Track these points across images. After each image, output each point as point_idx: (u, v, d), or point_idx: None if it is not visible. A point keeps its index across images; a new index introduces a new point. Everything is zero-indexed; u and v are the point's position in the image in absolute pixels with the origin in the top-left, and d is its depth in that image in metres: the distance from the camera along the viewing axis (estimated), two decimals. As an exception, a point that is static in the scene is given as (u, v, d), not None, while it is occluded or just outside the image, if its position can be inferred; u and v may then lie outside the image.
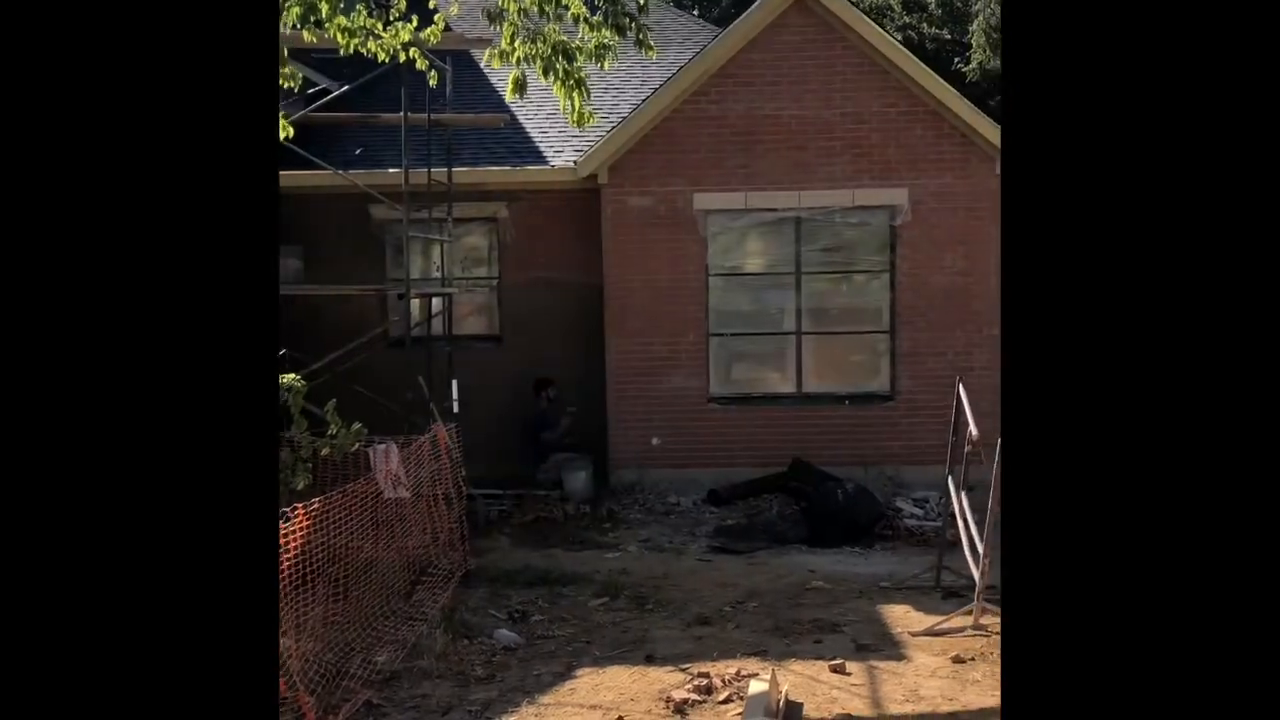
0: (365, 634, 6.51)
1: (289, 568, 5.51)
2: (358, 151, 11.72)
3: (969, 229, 11.18)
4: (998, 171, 11.20)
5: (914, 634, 6.71)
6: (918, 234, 11.19)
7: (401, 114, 9.58)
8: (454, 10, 7.06)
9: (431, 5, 6.61)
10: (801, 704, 5.51)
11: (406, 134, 9.70)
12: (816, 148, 11.16)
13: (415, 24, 6.57)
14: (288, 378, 6.47)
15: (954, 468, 7.68)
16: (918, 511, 10.29)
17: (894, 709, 5.44)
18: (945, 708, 5.42)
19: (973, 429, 7.10)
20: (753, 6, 11.17)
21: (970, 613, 6.81)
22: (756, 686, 5.49)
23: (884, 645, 6.51)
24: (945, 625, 6.79)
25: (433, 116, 10.14)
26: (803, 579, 8.26)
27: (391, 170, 10.81)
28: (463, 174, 11.21)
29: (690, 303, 11.24)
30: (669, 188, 11.15)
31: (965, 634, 6.64)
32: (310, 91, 11.51)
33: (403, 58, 6.72)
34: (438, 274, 11.52)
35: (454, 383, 9.40)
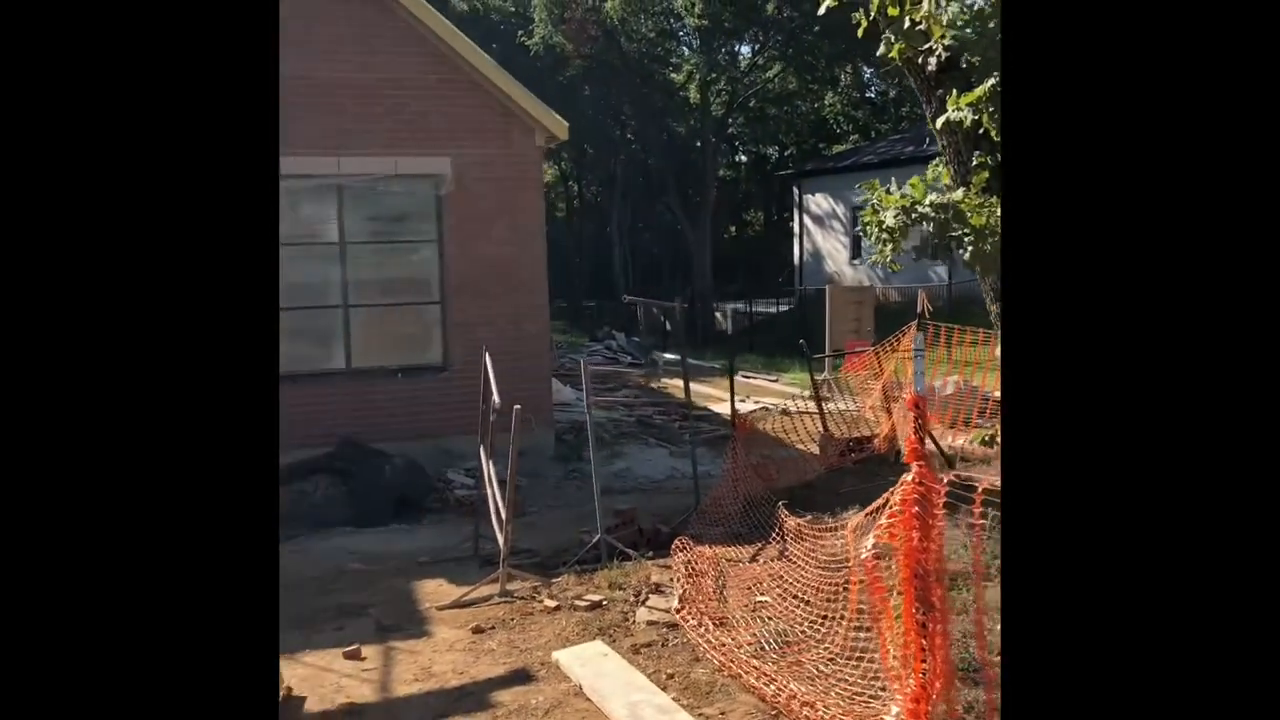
0: None
1: None
2: None
3: (514, 200, 11.27)
4: (539, 143, 11.39)
5: (440, 608, 6.61)
6: (464, 204, 11.11)
7: None
8: None
9: None
10: (304, 698, 5.20)
11: None
12: (355, 113, 10.72)
13: None
14: None
15: (483, 436, 7.67)
16: (469, 481, 10.27)
17: (401, 690, 5.28)
18: (454, 681, 5.33)
19: (495, 396, 7.10)
20: (279, -41, 10.47)
21: (496, 580, 6.82)
22: (253, 687, 5.09)
23: (408, 623, 6.35)
24: (472, 595, 6.75)
25: None
26: (341, 562, 7.93)
27: None
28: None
29: (223, 276, 10.42)
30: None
31: (492, 602, 6.63)
32: None
33: None
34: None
35: None
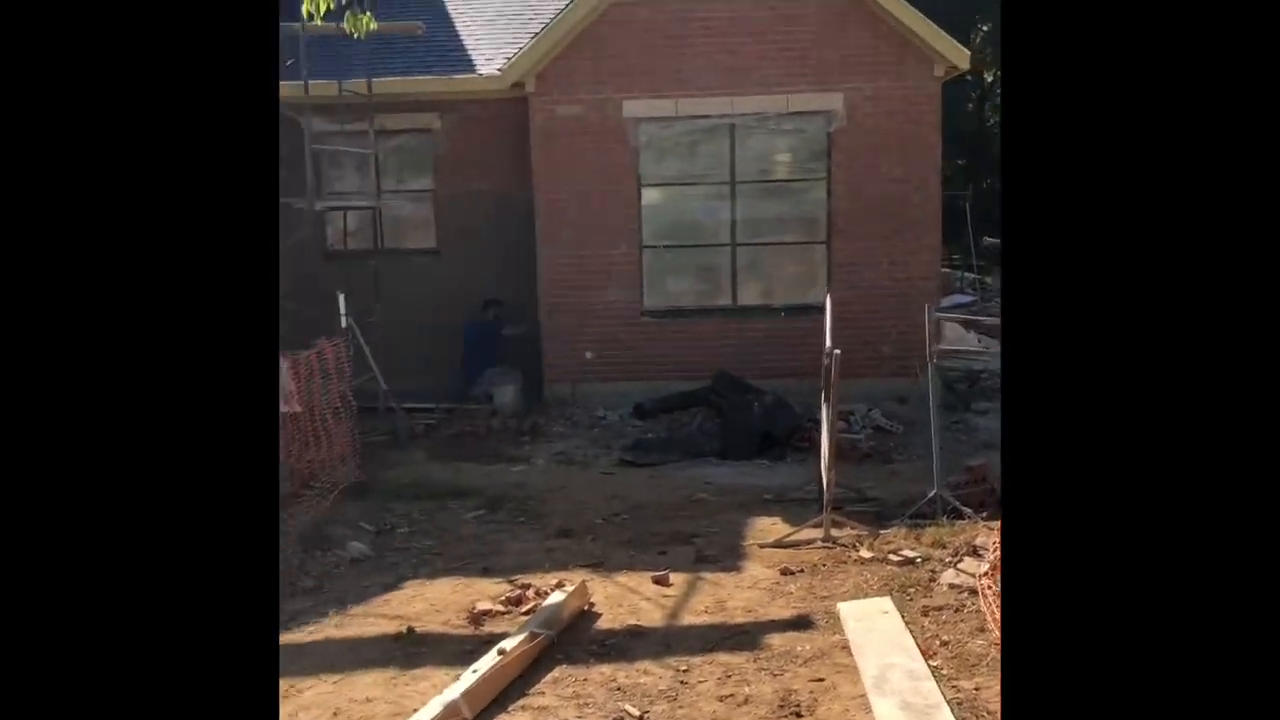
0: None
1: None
2: (289, 62, 11.59)
3: (906, 135, 10.82)
4: (936, 74, 10.80)
5: (762, 546, 6.66)
6: (854, 140, 10.86)
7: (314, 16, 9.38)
8: None
9: None
10: (599, 614, 5.51)
11: (306, 45, 9.54)
12: (750, 51, 10.81)
13: None
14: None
15: (825, 381, 7.54)
16: (840, 424, 10.15)
17: (687, 619, 5.42)
18: (739, 618, 5.38)
19: (828, 342, 6.95)
20: (680, -97, 10.75)
21: (820, 525, 6.74)
22: (555, 597, 5.49)
23: (725, 557, 6.48)
24: (794, 537, 6.73)
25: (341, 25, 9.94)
26: (692, 492, 8.22)
27: (321, 81, 10.67)
28: (390, 84, 11.06)
29: (622, 214, 11.07)
30: (597, 95, 10.91)
31: (812, 546, 6.57)
32: None
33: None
34: (368, 188, 11.44)
35: (340, 296, 9.36)
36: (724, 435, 9.78)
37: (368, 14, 6.01)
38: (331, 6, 5.25)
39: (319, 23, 5.60)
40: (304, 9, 5.33)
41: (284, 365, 8.03)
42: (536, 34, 11.07)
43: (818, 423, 10.24)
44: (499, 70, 11.12)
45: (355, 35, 6.00)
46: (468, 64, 11.58)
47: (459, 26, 12.29)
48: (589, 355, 11.25)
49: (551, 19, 11.12)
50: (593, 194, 11.03)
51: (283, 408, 8.10)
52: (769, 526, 7.14)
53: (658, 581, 6.01)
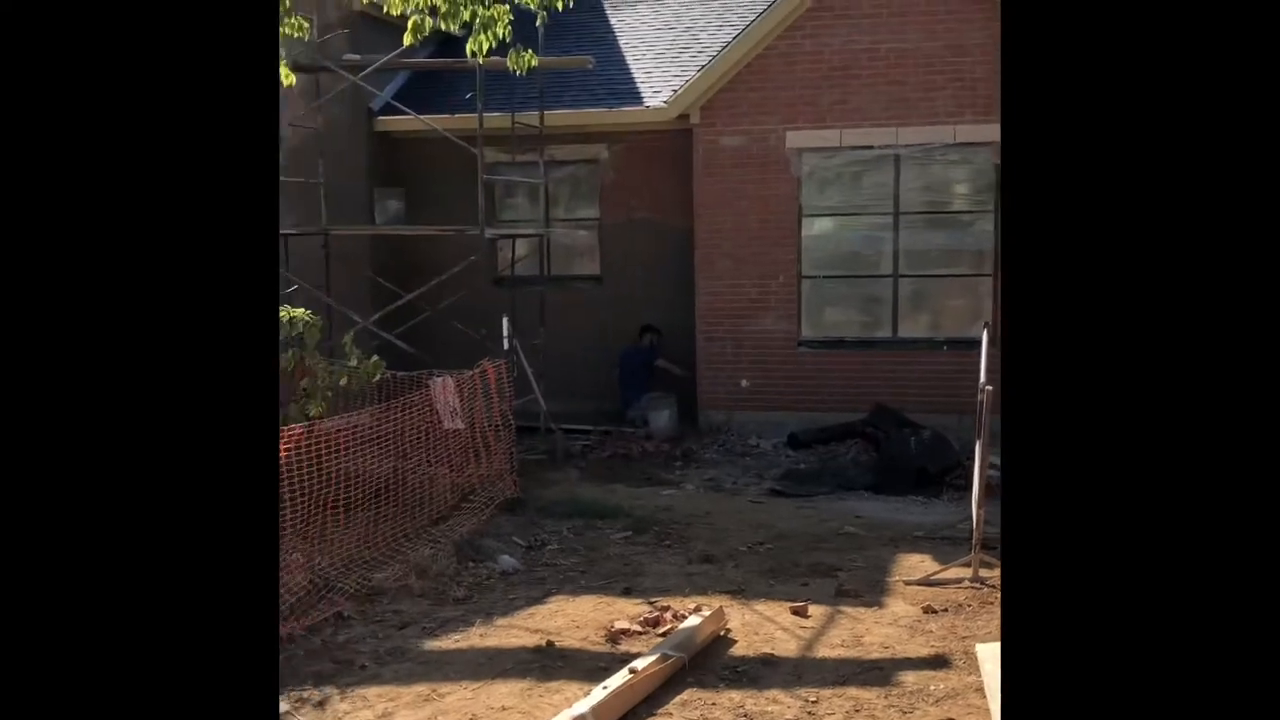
0: (378, 552, 6.98)
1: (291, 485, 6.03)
2: (467, 96, 12.14)
3: (1080, 166, 10.45)
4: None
5: (908, 582, 6.56)
6: (1024, 171, 10.57)
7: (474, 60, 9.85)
8: None
9: None
10: (734, 641, 5.55)
11: (482, 79, 9.99)
12: (916, 82, 10.70)
13: None
14: (299, 312, 6.93)
15: (978, 417, 7.36)
16: (994, 462, 9.86)
17: (822, 652, 5.39)
18: (875, 654, 5.32)
19: (982, 377, 6.80)
20: (849, -65, 10.76)
21: (969, 564, 6.58)
22: (691, 621, 5.56)
23: (868, 592, 6.40)
24: (941, 575, 6.59)
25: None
26: (841, 524, 8.15)
27: (496, 114, 11.14)
28: (560, 117, 11.44)
29: (781, 244, 11.10)
30: (761, 126, 11.00)
31: (960, 585, 6.43)
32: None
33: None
34: (537, 217, 11.85)
35: (505, 320, 9.70)
36: (878, 469, 9.65)
37: (529, 52, 6.28)
38: (494, 44, 5.52)
39: (481, 60, 5.89)
40: (467, 48, 5.62)
41: (450, 383, 8.42)
42: (703, 66, 11.25)
43: (976, 460, 10.02)
44: (665, 102, 11.35)
45: (518, 71, 6.28)
46: (635, 97, 11.87)
47: (629, 60, 12.61)
48: (744, 383, 11.30)
49: (718, 52, 11.28)
50: (753, 224, 11.11)
51: (448, 424, 8.48)
52: (916, 563, 7.02)
53: (796, 612, 6.00)
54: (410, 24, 5.43)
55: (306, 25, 6.05)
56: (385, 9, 5.71)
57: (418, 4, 5.31)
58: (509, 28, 5.64)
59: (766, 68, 10.94)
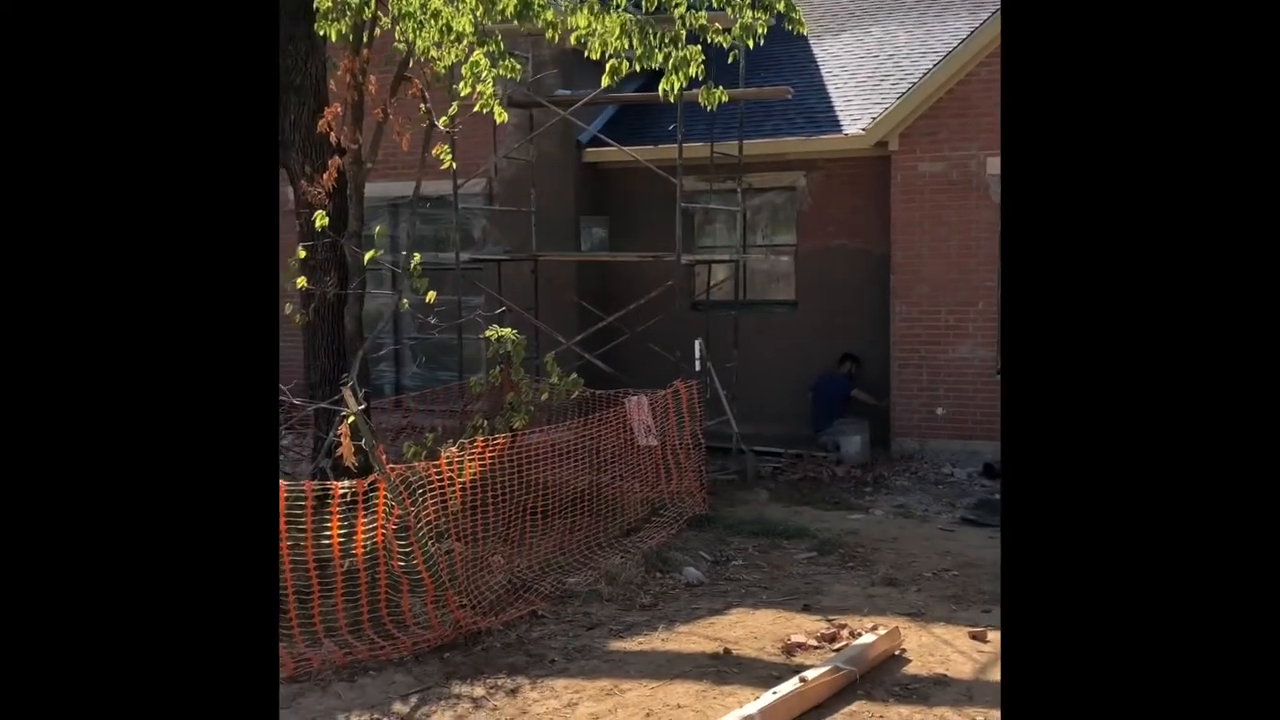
0: (573, 558, 7.41)
1: (483, 492, 6.55)
2: (670, 128, 12.61)
3: None
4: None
5: (1095, 616, 6.44)
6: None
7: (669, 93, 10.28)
8: None
9: None
10: (909, 660, 5.63)
11: (683, 111, 10.39)
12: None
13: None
14: (507, 332, 7.45)
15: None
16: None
17: (994, 675, 5.40)
18: (1051, 683, 5.30)
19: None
20: (1056, -41, 10.60)
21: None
22: (866, 638, 5.68)
23: (1052, 622, 6.33)
24: (1131, 611, 6.44)
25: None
26: (1031, 555, 8.03)
27: (696, 144, 11.55)
28: (759, 145, 11.73)
29: (980, 270, 10.99)
30: (961, 152, 10.95)
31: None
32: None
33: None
34: (735, 243, 12.17)
35: (697, 343, 10.01)
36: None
37: (720, 89, 6.60)
38: (685, 84, 5.87)
39: (673, 98, 6.22)
40: (660, 87, 5.99)
41: (644, 402, 8.81)
42: (903, 94, 11.30)
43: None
44: (863, 129, 11.46)
45: (708, 107, 6.61)
46: (834, 124, 12.02)
47: (830, 88, 12.78)
48: (940, 411, 11.22)
49: (919, 79, 11.31)
50: (951, 250, 11.06)
51: (641, 441, 8.88)
52: (1107, 597, 6.86)
53: (974, 636, 6.01)
54: (609, 66, 5.87)
55: (519, 67, 6.55)
56: (586, 53, 6.15)
57: (616, 47, 5.72)
58: (702, 66, 5.97)
59: (968, 94, 10.89)
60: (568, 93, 11.62)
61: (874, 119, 11.45)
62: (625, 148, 11.69)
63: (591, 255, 12.02)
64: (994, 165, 10.82)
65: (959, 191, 10.99)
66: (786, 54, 13.63)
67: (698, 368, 9.90)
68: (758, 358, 11.85)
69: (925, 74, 11.22)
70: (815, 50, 13.86)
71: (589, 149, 12.70)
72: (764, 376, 11.87)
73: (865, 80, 12.81)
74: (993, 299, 10.97)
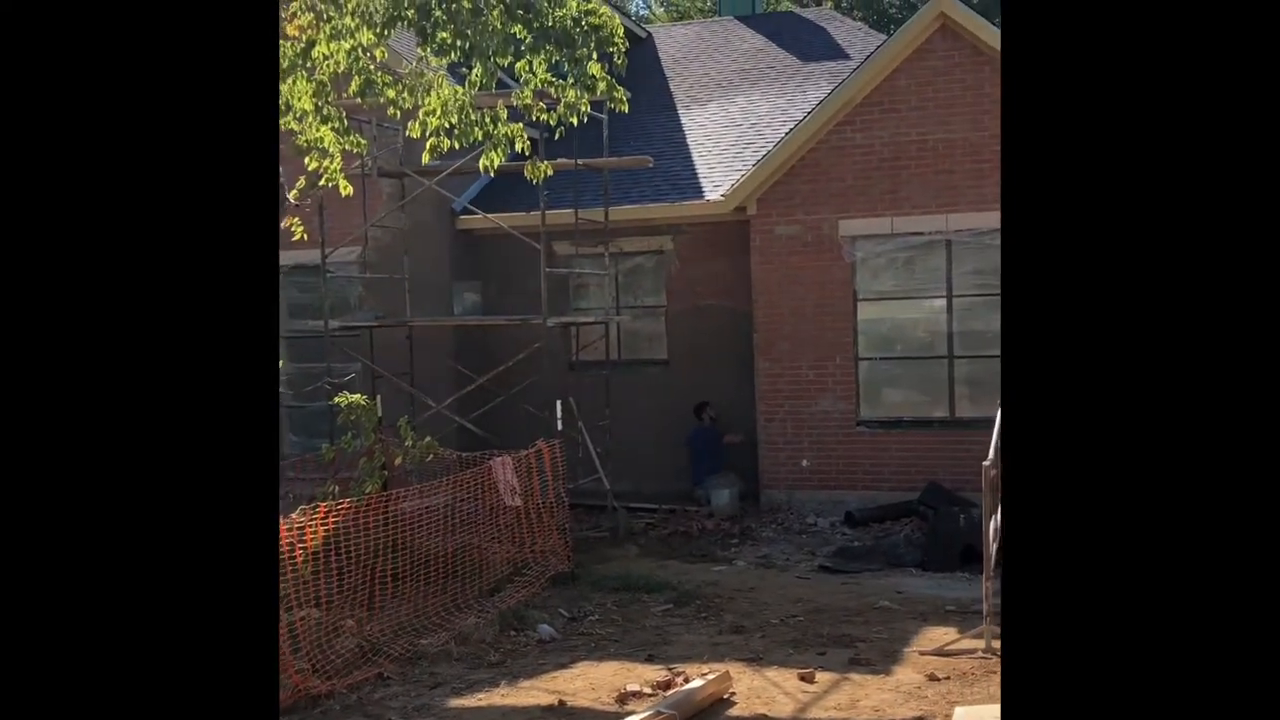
0: (428, 620, 7.52)
1: (335, 557, 6.65)
2: (546, 194, 12.96)
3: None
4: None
5: (922, 653, 6.77)
6: (1074, 253, 10.76)
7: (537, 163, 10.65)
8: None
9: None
10: (735, 703, 5.88)
11: (548, 180, 10.72)
12: (965, 170, 11.05)
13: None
14: (356, 398, 7.63)
15: (985, 492, 7.57)
16: (1049, 540, 9.92)
17: (814, 714, 5.68)
18: (864, 717, 5.59)
19: (990, 455, 7.04)
20: (894, 35, 11.29)
21: (981, 635, 6.77)
22: (695, 683, 5.92)
23: (880, 661, 6.64)
24: (955, 646, 6.79)
25: (581, 162, 11.14)
26: (878, 599, 8.37)
27: (564, 211, 11.89)
28: (626, 211, 12.14)
29: (837, 327, 11.47)
30: (815, 215, 11.48)
31: (975, 655, 6.62)
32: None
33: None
34: (606, 305, 12.51)
35: (558, 403, 10.28)
36: (927, 546, 9.82)
37: (544, 163, 6.95)
38: (505, 158, 6.18)
39: (493, 173, 6.53)
40: (480, 164, 6.31)
41: (509, 462, 8.99)
42: (759, 160, 11.83)
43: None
44: (723, 195, 11.94)
45: (534, 181, 6.94)
46: (697, 190, 12.51)
47: (695, 156, 13.29)
48: (805, 463, 11.61)
49: (772, 147, 11.86)
50: (809, 308, 11.53)
51: (508, 501, 9.04)
52: (939, 635, 7.21)
53: (803, 678, 6.29)
54: (429, 144, 6.17)
55: (364, 142, 6.80)
56: (406, 131, 6.45)
57: (435, 126, 6.02)
58: (527, 141, 6.30)
59: (819, 160, 11.45)
60: (438, 163, 11.89)
61: (733, 185, 11.96)
62: (493, 215, 12.00)
63: (461, 320, 12.26)
64: (846, 227, 11.36)
65: (813, 253, 11.49)
66: (656, 124, 14.15)
67: (559, 427, 10.13)
68: (632, 416, 12.14)
69: (778, 142, 11.76)
70: (683, 120, 14.41)
71: (462, 216, 12.97)
72: (638, 434, 12.16)
73: (728, 148, 13.35)
74: (849, 353, 11.45)
